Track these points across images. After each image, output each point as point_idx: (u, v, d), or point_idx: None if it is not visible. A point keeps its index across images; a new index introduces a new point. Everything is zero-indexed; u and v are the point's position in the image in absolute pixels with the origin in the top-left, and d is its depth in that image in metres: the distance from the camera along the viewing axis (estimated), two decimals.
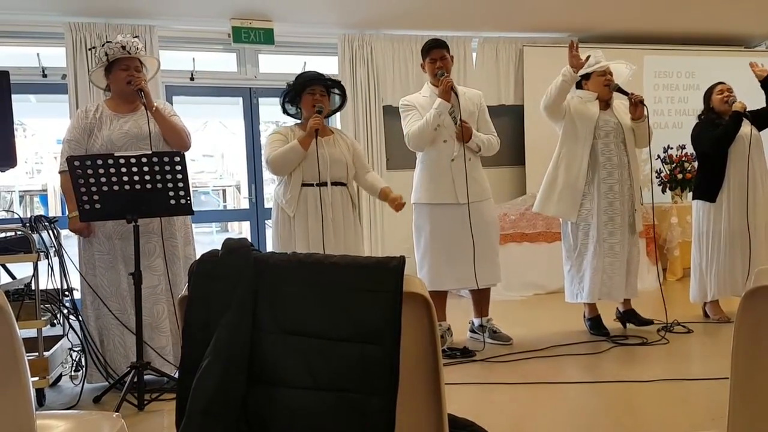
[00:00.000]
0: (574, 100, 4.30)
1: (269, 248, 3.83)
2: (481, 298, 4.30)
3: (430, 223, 4.08)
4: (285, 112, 3.87)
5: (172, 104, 4.55)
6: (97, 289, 3.46)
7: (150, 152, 3.15)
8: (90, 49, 3.85)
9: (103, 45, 3.51)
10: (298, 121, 3.84)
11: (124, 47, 3.45)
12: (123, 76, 3.46)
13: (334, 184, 3.67)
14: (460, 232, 3.99)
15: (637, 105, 4.21)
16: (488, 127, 4.21)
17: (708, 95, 4.69)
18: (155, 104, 3.49)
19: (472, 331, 4.37)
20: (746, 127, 4.47)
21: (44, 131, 11.57)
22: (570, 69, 4.03)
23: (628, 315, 4.46)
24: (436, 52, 4.06)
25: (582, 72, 4.19)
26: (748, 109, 4.48)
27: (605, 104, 4.32)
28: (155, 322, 3.45)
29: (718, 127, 4.50)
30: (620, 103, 4.38)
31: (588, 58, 4.13)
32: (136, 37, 3.58)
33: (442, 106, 3.95)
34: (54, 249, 3.38)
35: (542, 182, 4.42)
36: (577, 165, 4.24)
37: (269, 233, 7.70)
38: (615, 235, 4.23)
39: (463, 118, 4.00)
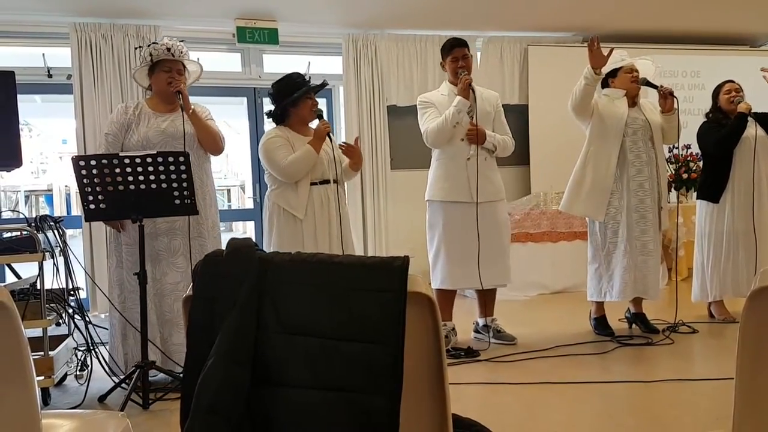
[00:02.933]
0: (602, 100, 4.27)
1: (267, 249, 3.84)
2: (487, 299, 4.29)
3: (443, 221, 4.07)
4: (279, 114, 3.79)
5: None
6: (122, 283, 3.50)
7: (154, 152, 3.16)
8: (136, 48, 3.95)
9: (149, 45, 3.59)
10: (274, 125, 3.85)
11: (168, 49, 3.53)
12: (164, 77, 3.53)
13: (334, 182, 3.74)
14: (474, 232, 3.99)
15: (666, 97, 4.19)
16: (504, 128, 4.21)
17: (716, 93, 4.65)
18: (192, 107, 3.55)
19: (477, 331, 4.37)
20: (752, 129, 4.45)
21: (49, 131, 11.59)
22: (591, 70, 3.99)
23: (636, 318, 4.45)
24: (458, 51, 4.07)
25: (606, 69, 4.18)
26: (754, 110, 4.45)
27: (632, 102, 4.28)
28: (175, 318, 3.49)
29: (723, 127, 4.48)
30: (646, 101, 4.37)
31: (611, 51, 4.06)
32: (182, 41, 3.64)
33: (462, 103, 3.95)
34: (59, 248, 3.39)
35: (569, 181, 4.38)
36: (605, 164, 4.21)
37: None
38: (648, 232, 4.21)
39: (479, 119, 4.00)
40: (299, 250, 3.56)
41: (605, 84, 4.32)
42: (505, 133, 4.19)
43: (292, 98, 3.68)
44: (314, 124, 3.81)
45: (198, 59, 3.81)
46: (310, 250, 3.61)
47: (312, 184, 3.67)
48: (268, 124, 6.77)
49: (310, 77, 3.83)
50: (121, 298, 3.51)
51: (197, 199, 3.52)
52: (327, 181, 3.71)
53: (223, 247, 1.29)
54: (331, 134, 3.70)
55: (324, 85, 3.85)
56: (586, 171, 4.29)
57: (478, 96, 4.03)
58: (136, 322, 3.42)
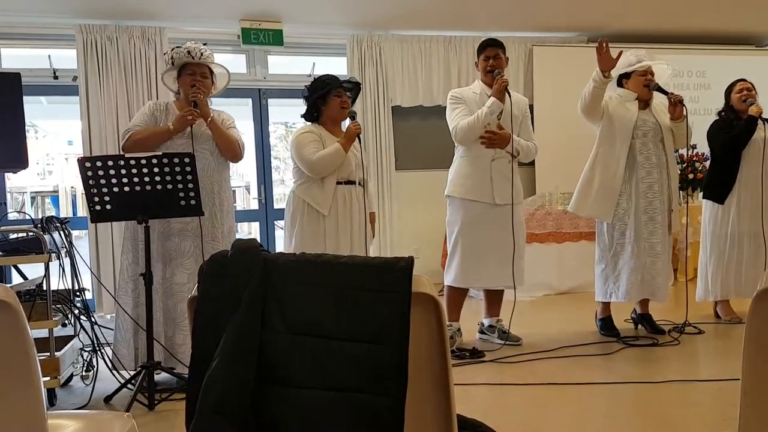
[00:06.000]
0: (613, 100, 4.25)
1: (283, 247, 3.89)
2: (495, 299, 4.30)
3: (461, 219, 4.08)
4: (310, 112, 3.87)
5: None
6: (137, 279, 3.47)
7: (160, 153, 3.16)
8: (164, 54, 3.94)
9: (172, 49, 3.60)
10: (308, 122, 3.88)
11: (189, 52, 3.52)
12: (188, 81, 3.54)
13: (360, 184, 3.79)
14: (493, 232, 4.00)
15: (676, 105, 4.15)
16: (528, 134, 4.21)
17: (728, 92, 4.62)
18: (212, 115, 3.56)
19: (482, 331, 4.36)
20: (762, 131, 4.42)
21: (55, 133, 11.63)
22: (599, 73, 3.97)
23: (642, 318, 4.43)
24: (490, 50, 4.07)
25: (623, 71, 4.17)
26: (764, 114, 4.42)
27: (644, 104, 4.26)
28: (178, 318, 3.49)
29: (732, 128, 4.46)
30: (659, 102, 4.34)
31: (620, 54, 4.06)
32: (205, 44, 3.63)
33: (496, 105, 3.95)
34: (65, 250, 3.41)
35: (578, 182, 4.38)
36: (614, 165, 4.20)
37: (279, 234, 7.72)
38: (656, 234, 4.18)
39: (507, 122, 4.00)
40: (321, 247, 3.64)
41: (620, 84, 4.31)
42: (529, 138, 4.20)
43: (320, 93, 3.74)
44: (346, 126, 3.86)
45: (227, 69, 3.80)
46: (332, 248, 3.70)
47: (338, 183, 3.71)
48: (273, 125, 6.78)
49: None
50: (135, 293, 3.51)
51: (215, 204, 3.55)
52: (353, 182, 3.75)
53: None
54: (360, 136, 3.72)
55: (355, 83, 3.89)
56: (595, 172, 4.28)
57: (510, 99, 4.02)
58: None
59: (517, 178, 4.15)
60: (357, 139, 3.73)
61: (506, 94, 3.96)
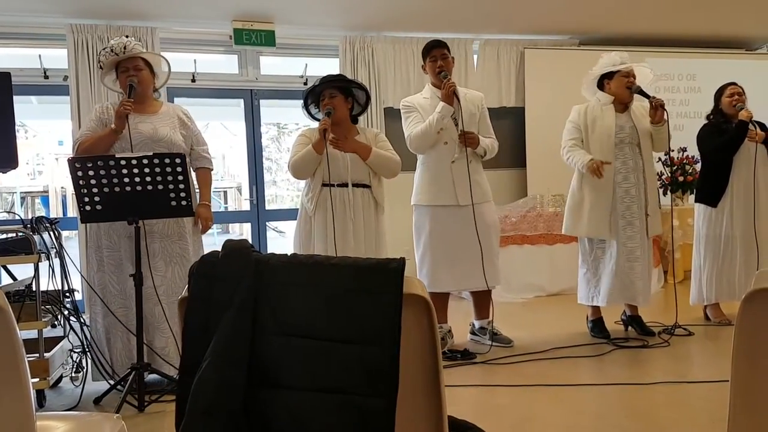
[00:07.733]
0: (588, 116, 4.24)
1: (291, 248, 3.90)
2: (481, 301, 4.29)
3: (429, 225, 4.07)
4: (311, 116, 3.92)
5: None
6: (105, 287, 3.46)
7: (150, 153, 3.14)
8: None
9: (99, 53, 3.53)
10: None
11: (112, 49, 3.45)
12: (123, 79, 3.47)
13: (356, 185, 3.72)
14: (460, 234, 3.99)
15: (657, 109, 4.14)
16: (488, 130, 4.20)
17: (718, 95, 4.62)
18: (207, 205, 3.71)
19: (473, 333, 4.37)
20: (752, 134, 4.44)
21: (46, 133, 11.59)
22: (588, 168, 4.08)
23: (632, 320, 4.45)
24: (436, 51, 4.05)
25: (606, 71, 4.20)
26: (754, 118, 4.43)
27: (623, 107, 4.27)
28: (156, 322, 3.45)
29: (723, 132, 4.47)
30: (639, 105, 4.31)
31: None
32: (127, 36, 3.56)
33: (446, 110, 3.94)
34: (55, 250, 3.39)
35: (566, 203, 4.37)
36: (603, 181, 4.14)
37: (271, 235, 7.71)
38: (634, 239, 4.19)
39: (465, 121, 3.99)
40: (311, 248, 3.62)
41: (600, 86, 4.31)
42: (488, 134, 4.18)
43: (311, 90, 3.78)
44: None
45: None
46: (320, 251, 3.66)
47: (329, 185, 3.67)
48: (265, 126, 6.77)
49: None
50: (105, 302, 3.47)
51: None
52: (345, 185, 3.70)
53: (207, 249, 1.29)
54: (326, 133, 3.59)
55: (347, 81, 3.85)
56: (583, 192, 4.26)
57: (462, 98, 4.01)
58: (118, 327, 3.41)
59: (482, 177, 4.13)
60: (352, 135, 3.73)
61: (455, 97, 3.95)
